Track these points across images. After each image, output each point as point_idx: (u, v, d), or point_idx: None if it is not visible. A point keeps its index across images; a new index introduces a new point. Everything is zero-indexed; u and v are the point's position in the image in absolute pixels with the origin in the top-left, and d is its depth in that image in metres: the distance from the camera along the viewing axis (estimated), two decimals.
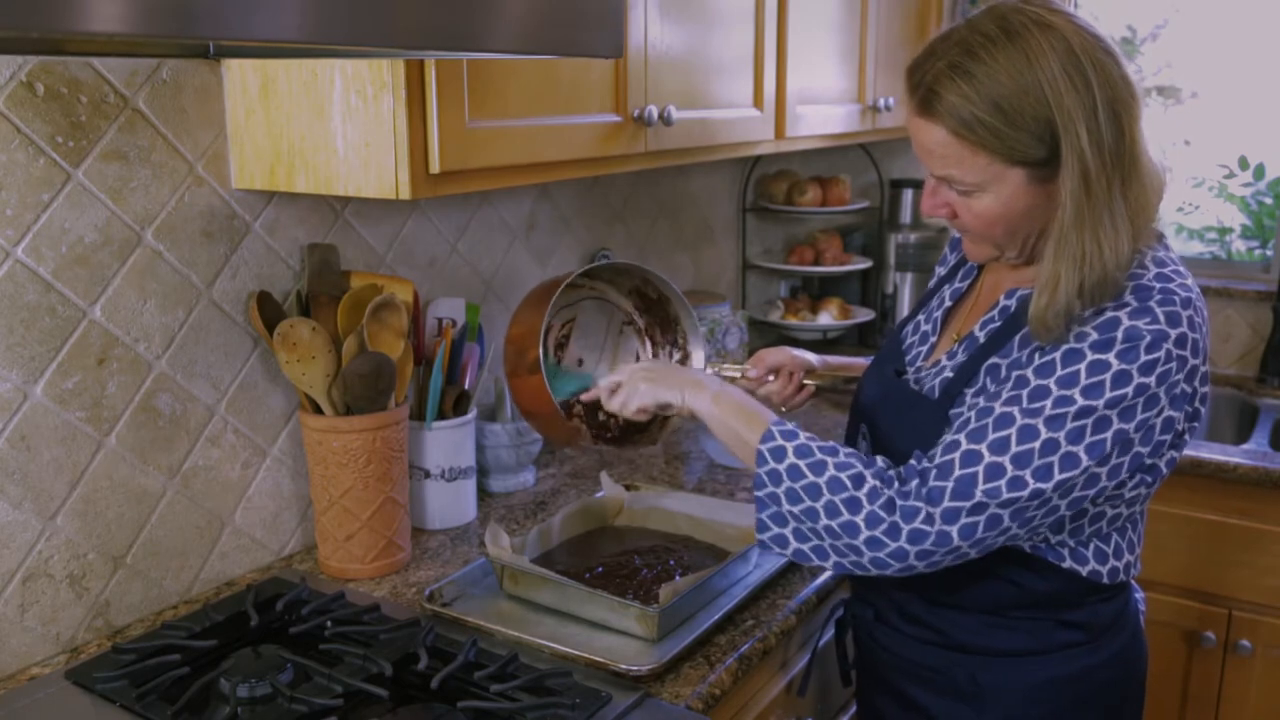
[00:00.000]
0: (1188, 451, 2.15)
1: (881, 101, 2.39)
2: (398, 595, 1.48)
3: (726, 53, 1.85)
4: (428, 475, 1.67)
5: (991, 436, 1.13)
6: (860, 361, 1.63)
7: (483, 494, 1.83)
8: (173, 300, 1.41)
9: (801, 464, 1.20)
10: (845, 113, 2.28)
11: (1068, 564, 1.25)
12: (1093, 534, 1.25)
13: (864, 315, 2.77)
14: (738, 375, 1.56)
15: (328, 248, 1.55)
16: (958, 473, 1.13)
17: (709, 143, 1.81)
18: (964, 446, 1.15)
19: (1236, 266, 2.84)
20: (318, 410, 1.48)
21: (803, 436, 1.23)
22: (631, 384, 1.36)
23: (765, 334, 2.86)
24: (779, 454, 1.21)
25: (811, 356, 1.59)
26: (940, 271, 1.51)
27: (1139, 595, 1.41)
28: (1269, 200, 2.88)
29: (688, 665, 1.31)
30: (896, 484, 1.17)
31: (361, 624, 1.34)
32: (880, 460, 1.21)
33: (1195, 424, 1.22)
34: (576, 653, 1.29)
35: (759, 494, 1.23)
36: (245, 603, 1.38)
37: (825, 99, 2.20)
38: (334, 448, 1.48)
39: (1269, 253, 2.80)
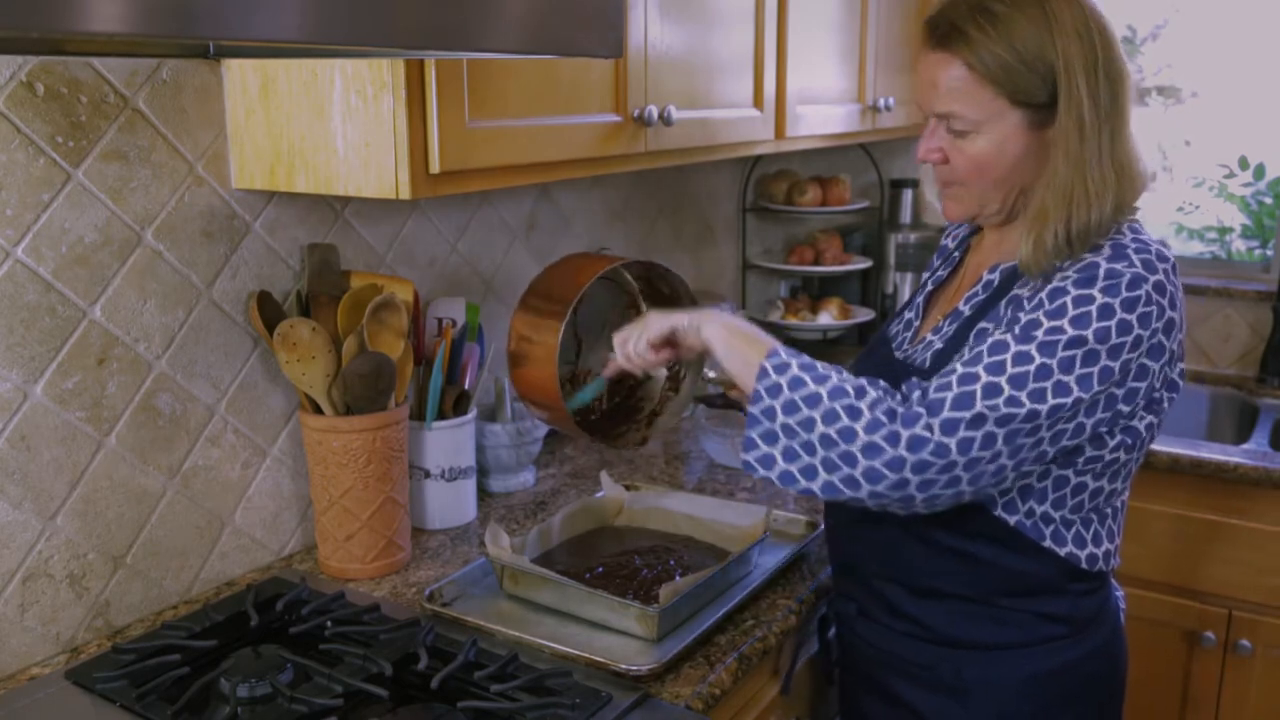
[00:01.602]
0: (1188, 451, 2.16)
1: (881, 101, 2.39)
2: (398, 595, 1.48)
3: (726, 53, 1.85)
4: (428, 475, 1.67)
5: (987, 360, 1.17)
6: None
7: (483, 494, 1.83)
8: (173, 300, 1.41)
9: (805, 376, 1.21)
10: (845, 113, 2.28)
11: (1047, 543, 1.27)
12: (1074, 509, 1.26)
13: (864, 315, 2.77)
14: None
15: (328, 248, 1.55)
16: (956, 390, 1.16)
17: (709, 143, 1.81)
18: (960, 370, 1.18)
19: (1236, 266, 2.83)
20: (318, 410, 1.48)
21: (807, 358, 1.24)
22: (640, 323, 1.35)
23: None
24: (782, 368, 1.22)
25: None
26: (925, 276, 1.54)
27: (1119, 593, 1.43)
28: (1269, 200, 2.88)
29: (688, 665, 1.31)
30: (898, 396, 1.20)
31: (361, 624, 1.34)
32: (882, 382, 1.23)
33: (1174, 395, 1.27)
34: (576, 653, 1.29)
35: (753, 410, 1.23)
36: (245, 603, 1.38)
37: (825, 99, 2.20)
38: (334, 448, 1.48)
39: (1269, 253, 2.80)
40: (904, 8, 2.53)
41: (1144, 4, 2.90)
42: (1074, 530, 1.27)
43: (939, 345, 1.32)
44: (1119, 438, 1.22)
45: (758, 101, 1.95)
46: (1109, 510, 1.30)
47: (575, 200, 2.14)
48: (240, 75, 1.41)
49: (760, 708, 1.44)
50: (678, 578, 1.42)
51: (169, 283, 1.41)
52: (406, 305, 1.54)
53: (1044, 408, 1.15)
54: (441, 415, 1.66)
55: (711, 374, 1.56)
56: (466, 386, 1.70)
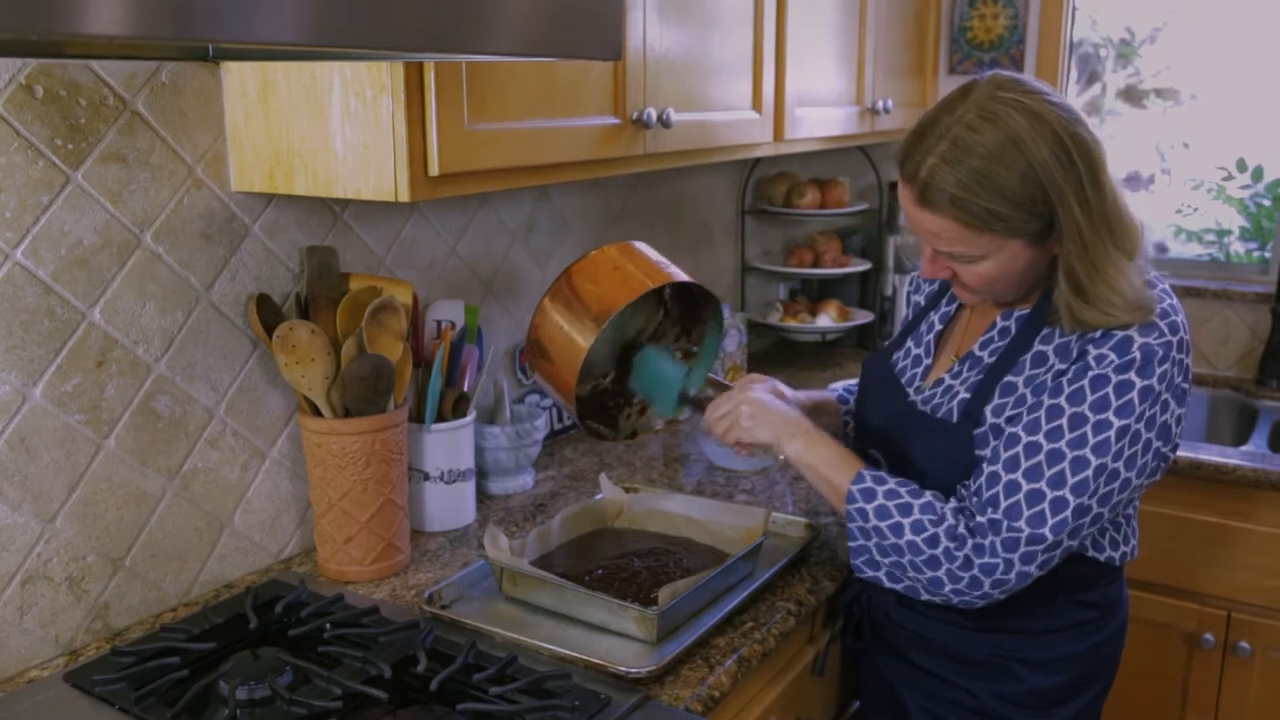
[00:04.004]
0: (1187, 453, 2.16)
1: (880, 104, 2.39)
2: (397, 597, 1.48)
3: (725, 55, 1.85)
4: (427, 477, 1.67)
5: (1048, 473, 1.24)
6: (825, 395, 1.71)
7: (482, 496, 1.83)
8: (172, 302, 1.41)
9: (899, 489, 1.32)
10: (844, 115, 2.28)
11: (1090, 553, 1.36)
12: (1109, 523, 1.36)
13: (863, 317, 2.77)
14: (729, 389, 1.57)
15: (327, 250, 1.55)
16: (1027, 513, 1.24)
17: (708, 145, 1.81)
18: (1025, 487, 1.24)
19: (1235, 268, 2.84)
20: (317, 412, 1.48)
21: (891, 482, 1.33)
22: (734, 416, 1.45)
23: (764, 336, 2.86)
24: (868, 495, 1.33)
25: (789, 395, 1.61)
26: (919, 301, 1.57)
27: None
28: (1267, 202, 2.88)
29: (686, 667, 1.30)
30: (975, 538, 1.27)
31: (360, 626, 1.34)
32: (953, 501, 1.31)
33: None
34: (576, 655, 1.29)
35: (850, 526, 1.35)
36: (244, 605, 1.38)
37: (824, 101, 2.20)
38: (333, 450, 1.47)
39: (1267, 254, 2.80)
40: (903, 10, 2.54)
41: (1142, 6, 2.91)
42: (1108, 536, 1.37)
43: (965, 395, 1.36)
44: (1155, 464, 1.30)
45: (756, 104, 1.95)
46: (1131, 512, 1.40)
47: (574, 202, 2.15)
48: (239, 78, 1.41)
49: (760, 709, 1.44)
50: (677, 580, 1.42)
51: (168, 285, 1.41)
52: (405, 307, 1.54)
53: (1105, 506, 1.26)
54: (440, 417, 1.66)
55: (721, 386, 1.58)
56: (465, 389, 1.70)
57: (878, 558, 1.33)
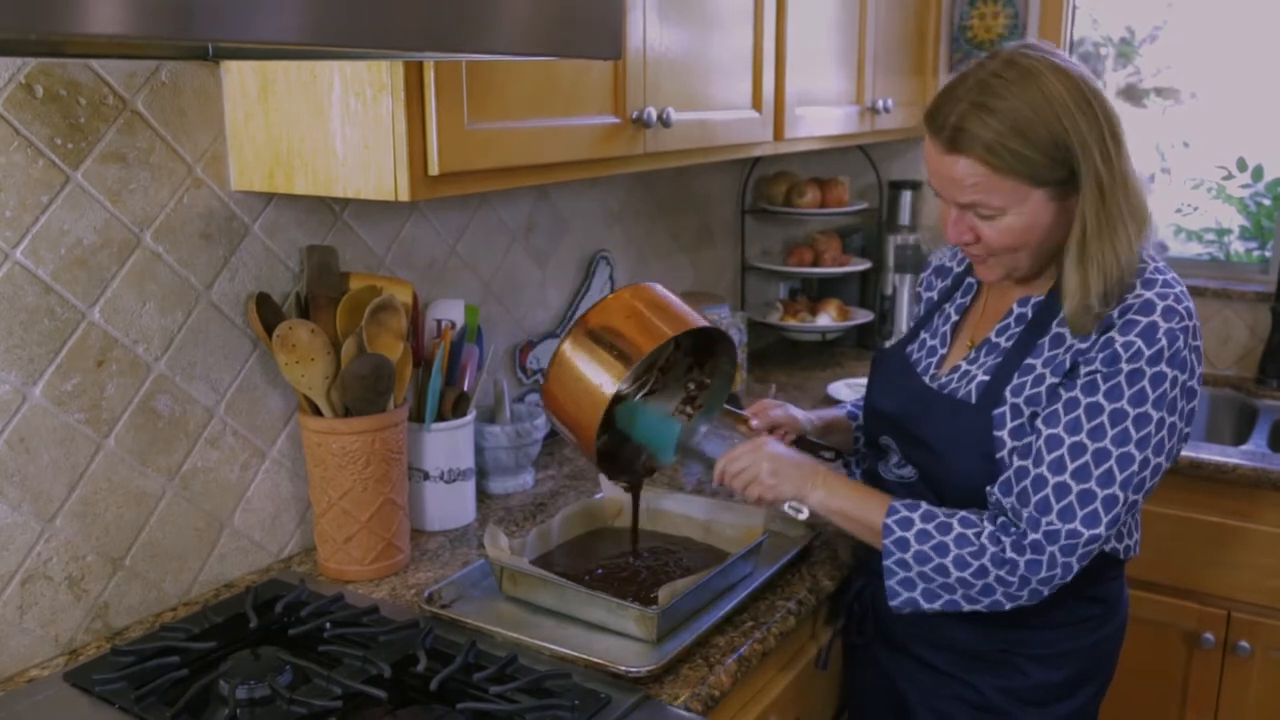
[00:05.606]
0: (1188, 453, 2.16)
1: (880, 103, 2.39)
2: (397, 597, 1.48)
3: (725, 54, 1.85)
4: (427, 477, 1.67)
5: (1096, 472, 1.26)
6: (835, 413, 1.71)
7: (482, 496, 1.83)
8: (172, 302, 1.41)
9: (929, 527, 1.32)
10: (844, 114, 2.28)
11: None
12: None
13: (863, 316, 2.77)
14: (744, 417, 1.59)
15: (327, 249, 1.55)
16: (1081, 514, 1.26)
17: (708, 144, 1.81)
18: (1076, 488, 1.26)
19: (1235, 268, 2.84)
20: (317, 412, 1.48)
21: (924, 505, 1.34)
22: (754, 471, 1.46)
23: (764, 335, 2.86)
24: (906, 524, 1.33)
25: (801, 417, 1.62)
26: (931, 296, 1.57)
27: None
28: (1267, 201, 2.88)
29: (686, 667, 1.31)
30: (1029, 555, 1.27)
31: (360, 626, 1.34)
32: (987, 523, 1.31)
33: None
34: (575, 654, 1.29)
35: (886, 562, 1.34)
36: (244, 604, 1.38)
37: (824, 100, 2.20)
38: (333, 449, 1.47)
39: (1268, 254, 2.80)
40: (903, 9, 2.54)
41: (1142, 6, 2.91)
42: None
43: (983, 378, 1.37)
44: (1177, 448, 1.32)
45: (756, 103, 1.95)
46: (1137, 501, 1.40)
47: (574, 202, 2.14)
48: (239, 77, 1.41)
49: (759, 709, 1.44)
50: (677, 579, 1.42)
51: (168, 284, 1.41)
52: (405, 307, 1.54)
53: (1141, 494, 1.29)
54: (440, 417, 1.66)
55: (736, 413, 1.59)
56: (465, 388, 1.70)
57: (925, 605, 1.33)
